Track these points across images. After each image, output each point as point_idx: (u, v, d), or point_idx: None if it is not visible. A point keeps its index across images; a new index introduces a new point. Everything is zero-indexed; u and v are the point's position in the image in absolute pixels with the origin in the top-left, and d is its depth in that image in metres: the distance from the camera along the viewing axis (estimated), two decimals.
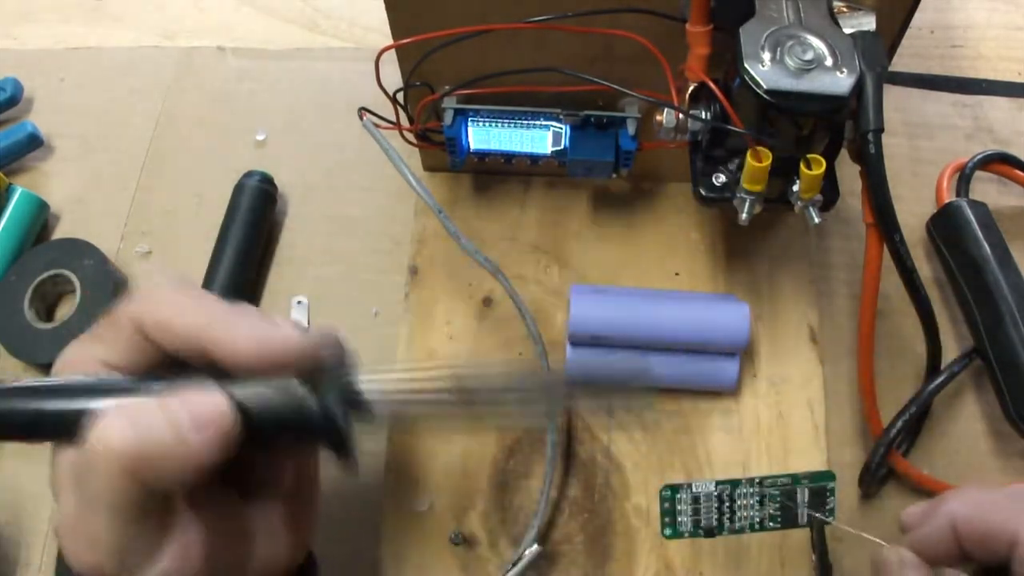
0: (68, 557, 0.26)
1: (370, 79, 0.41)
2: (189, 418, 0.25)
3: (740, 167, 0.36)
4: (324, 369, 0.28)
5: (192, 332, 0.27)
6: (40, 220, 0.51)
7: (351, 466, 0.28)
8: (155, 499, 0.26)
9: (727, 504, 0.35)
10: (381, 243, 0.50)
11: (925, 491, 0.42)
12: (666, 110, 0.37)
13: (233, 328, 0.27)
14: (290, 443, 0.29)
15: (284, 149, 0.53)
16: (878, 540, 0.33)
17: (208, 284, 0.47)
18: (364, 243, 0.50)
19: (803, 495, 0.35)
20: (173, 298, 0.28)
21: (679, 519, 0.35)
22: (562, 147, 0.44)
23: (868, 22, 0.35)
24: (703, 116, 0.37)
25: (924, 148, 0.51)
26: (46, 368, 0.46)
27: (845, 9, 0.35)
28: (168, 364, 0.29)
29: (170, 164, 0.53)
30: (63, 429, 0.27)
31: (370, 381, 0.28)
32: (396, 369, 0.29)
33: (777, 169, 0.35)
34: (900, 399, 0.42)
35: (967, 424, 0.44)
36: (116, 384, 0.28)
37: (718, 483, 0.35)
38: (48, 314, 0.48)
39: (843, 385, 0.45)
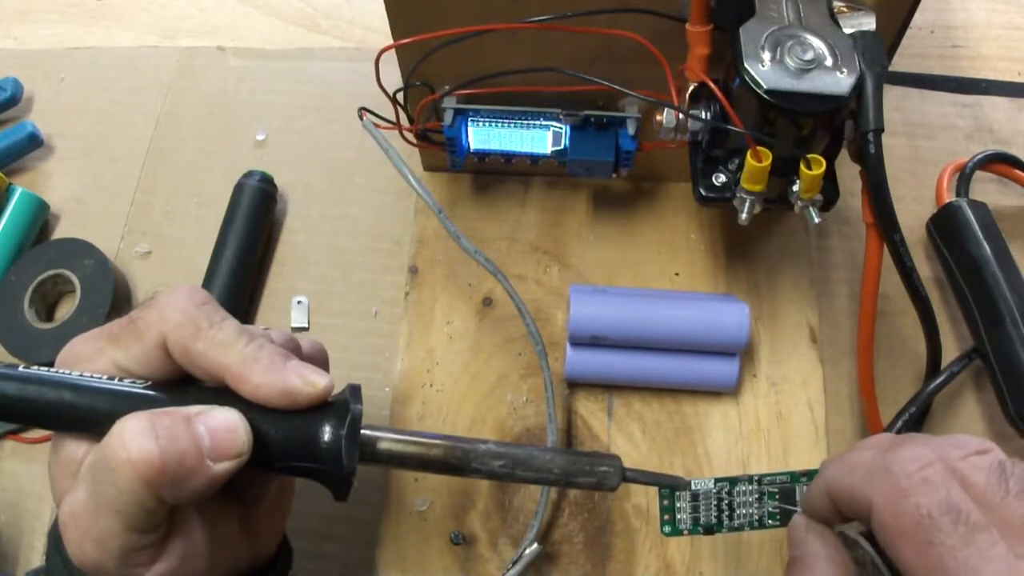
0: (70, 548, 0.27)
1: (370, 79, 0.41)
2: (212, 444, 0.27)
3: (740, 167, 0.36)
4: (336, 410, 0.29)
5: (215, 368, 0.28)
6: (40, 220, 0.51)
7: (342, 498, 0.30)
8: (167, 507, 0.26)
9: (726, 502, 0.35)
10: (381, 243, 0.50)
11: None
12: (666, 110, 0.37)
13: (255, 366, 0.28)
14: (292, 472, 0.30)
15: (284, 149, 0.53)
16: None
17: (208, 284, 0.47)
18: (364, 243, 0.50)
19: (802, 493, 0.35)
20: (197, 323, 0.28)
21: (678, 517, 0.35)
22: (562, 147, 0.44)
23: (868, 22, 0.35)
24: (703, 116, 0.37)
25: (924, 148, 0.51)
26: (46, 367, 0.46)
27: (845, 9, 0.35)
28: (181, 376, 0.30)
29: (170, 164, 0.53)
30: (83, 424, 0.28)
31: (376, 430, 0.30)
32: (404, 431, 0.31)
33: (777, 169, 0.35)
34: (900, 399, 0.42)
35: (967, 424, 0.44)
36: (143, 394, 0.28)
37: (717, 481, 0.35)
38: (48, 314, 0.48)
39: (843, 385, 0.45)
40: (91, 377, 0.28)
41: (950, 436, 0.27)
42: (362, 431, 0.29)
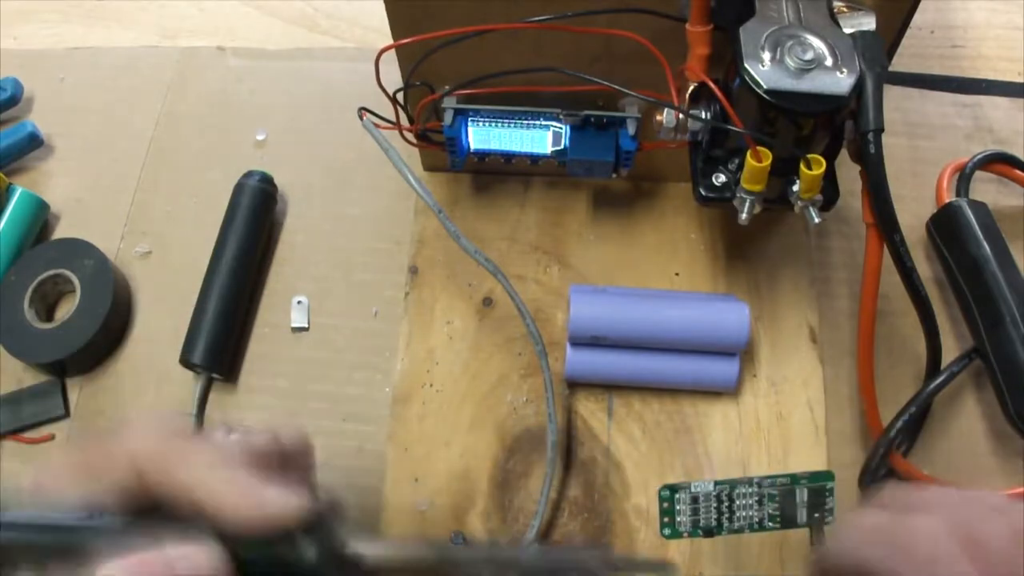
0: None
1: (370, 79, 0.41)
2: None
3: (740, 167, 0.36)
4: (318, 526, 0.29)
5: (191, 499, 0.28)
6: (40, 220, 0.51)
7: None
8: None
9: (726, 504, 0.35)
10: (381, 243, 0.50)
11: None
12: (666, 110, 0.37)
13: (233, 490, 0.28)
14: None
15: (284, 149, 0.53)
16: None
17: (208, 284, 0.47)
18: (364, 243, 0.50)
19: (802, 495, 0.35)
20: (169, 453, 0.28)
21: (678, 519, 0.35)
22: (562, 147, 0.44)
23: (868, 22, 0.35)
24: (703, 116, 0.37)
25: (924, 148, 0.51)
26: (46, 368, 0.46)
27: (845, 9, 0.35)
28: (155, 504, 0.29)
29: (170, 164, 0.53)
30: (61, 560, 0.27)
31: (360, 542, 0.29)
32: (387, 538, 0.31)
33: (777, 169, 0.35)
34: (900, 399, 0.42)
35: (967, 424, 0.44)
36: (117, 528, 0.28)
37: (717, 483, 0.35)
38: (48, 314, 0.48)
39: (843, 385, 0.45)
40: (63, 515, 0.28)
41: (973, 493, 0.28)
42: (347, 550, 0.29)
